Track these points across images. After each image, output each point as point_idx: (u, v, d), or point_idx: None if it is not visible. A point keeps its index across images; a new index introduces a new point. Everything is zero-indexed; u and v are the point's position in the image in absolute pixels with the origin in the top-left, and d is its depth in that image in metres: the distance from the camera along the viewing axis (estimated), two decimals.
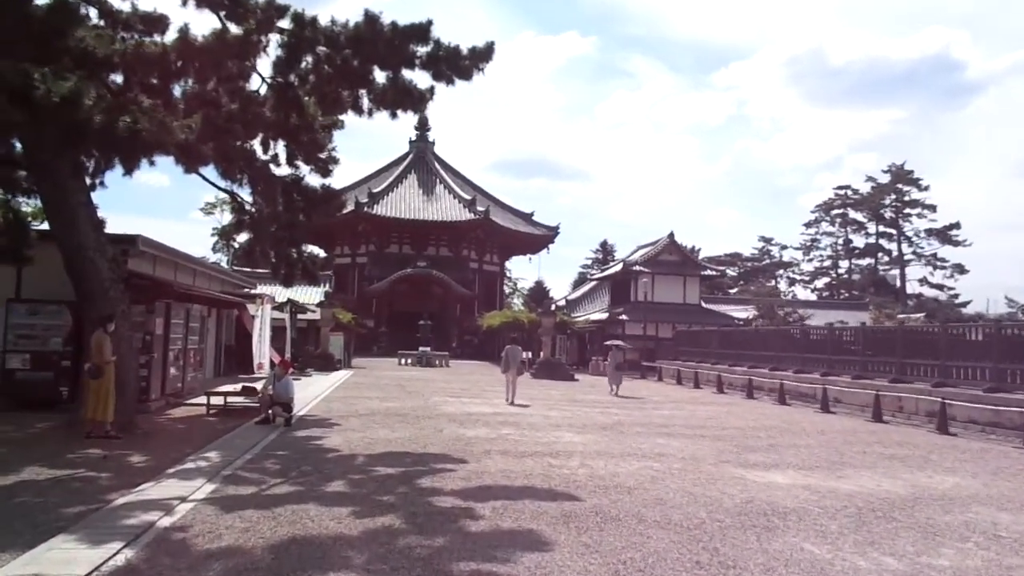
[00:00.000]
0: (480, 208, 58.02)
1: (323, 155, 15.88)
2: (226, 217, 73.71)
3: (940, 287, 73.16)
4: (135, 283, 15.86)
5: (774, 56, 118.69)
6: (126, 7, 12.88)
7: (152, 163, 14.52)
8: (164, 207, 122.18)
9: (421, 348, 42.43)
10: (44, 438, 11.05)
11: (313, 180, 15.08)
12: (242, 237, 16.34)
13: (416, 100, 14.78)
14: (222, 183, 14.36)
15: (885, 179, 77.45)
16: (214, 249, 66.74)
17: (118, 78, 12.17)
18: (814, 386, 22.12)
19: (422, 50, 13.18)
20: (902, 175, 76.00)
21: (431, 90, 14.78)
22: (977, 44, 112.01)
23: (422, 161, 65.68)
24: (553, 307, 43.38)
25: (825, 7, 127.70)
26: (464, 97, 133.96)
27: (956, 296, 71.70)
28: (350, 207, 56.18)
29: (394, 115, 15.05)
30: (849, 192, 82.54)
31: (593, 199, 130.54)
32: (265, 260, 14.88)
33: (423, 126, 68.25)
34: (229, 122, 13.58)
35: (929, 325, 23.94)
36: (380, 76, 14.19)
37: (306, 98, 14.84)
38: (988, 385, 16.35)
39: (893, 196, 77.16)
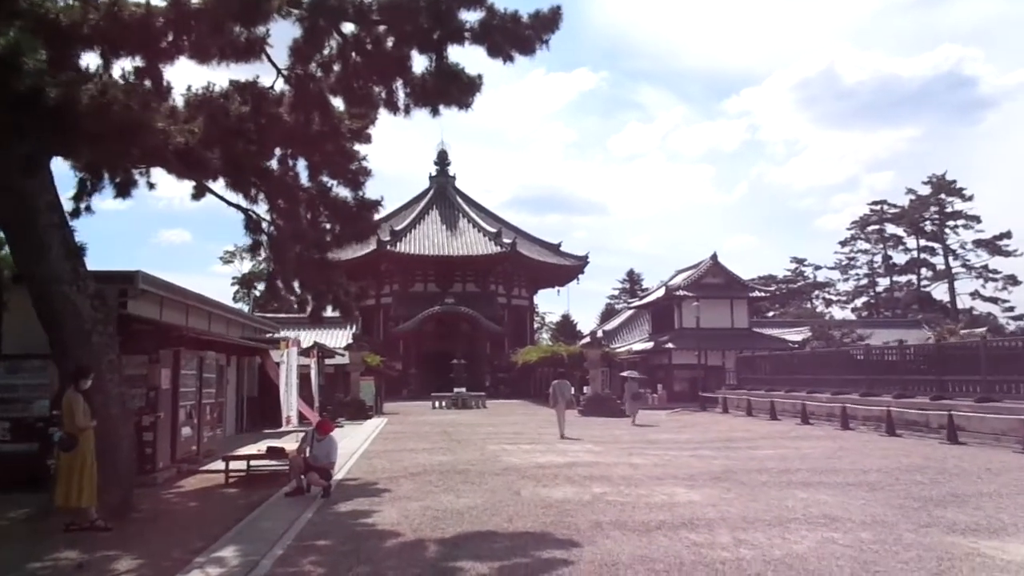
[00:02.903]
0: (506, 240, 55.58)
1: (353, 167, 13.40)
2: (246, 266, 72.06)
3: (994, 300, 69.33)
4: (135, 328, 13.34)
5: (785, 80, 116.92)
6: None
7: (145, 173, 12.29)
8: (185, 262, 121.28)
9: (456, 389, 39.70)
10: (10, 534, 8.36)
11: (342, 192, 12.55)
12: (258, 273, 13.74)
13: (463, 89, 12.24)
14: (233, 197, 11.84)
15: (925, 191, 74.04)
16: (235, 298, 64.80)
17: (94, 60, 9.65)
18: (925, 412, 19.05)
19: (473, 17, 10.67)
20: (944, 185, 72.61)
21: (479, 78, 12.35)
22: (989, 60, 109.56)
23: (443, 196, 63.58)
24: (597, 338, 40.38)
25: (833, 30, 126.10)
26: (477, 135, 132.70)
27: (1011, 309, 67.98)
28: (372, 246, 54.14)
29: (435, 111, 12.54)
30: (885, 207, 79.32)
31: (610, 232, 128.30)
32: (288, 290, 12.27)
33: (443, 160, 66.40)
34: (240, 122, 11.11)
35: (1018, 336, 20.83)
36: (419, 63, 11.72)
37: (331, 96, 12.45)
38: None
39: (934, 208, 73.73)
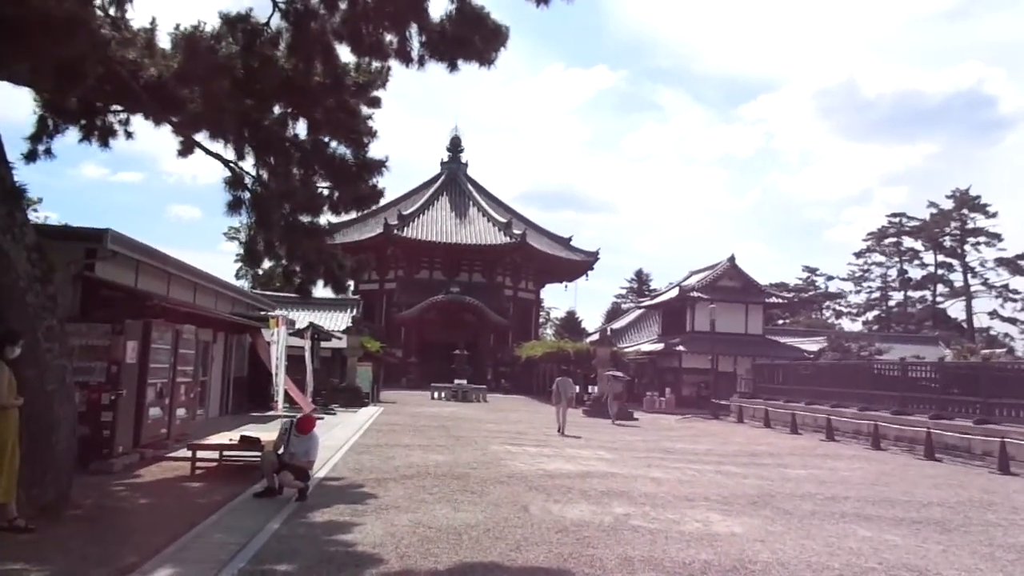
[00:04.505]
0: (516, 231, 53.96)
1: (356, 124, 11.82)
2: None
3: (1013, 320, 67.47)
4: (101, 294, 11.84)
5: (803, 89, 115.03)
6: None
7: (124, 122, 10.78)
8: (195, 239, 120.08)
9: (456, 381, 38.16)
10: None
11: (341, 151, 10.96)
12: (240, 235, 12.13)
13: (487, 39, 10.69)
14: (219, 150, 10.28)
15: (948, 205, 72.09)
16: (237, 276, 63.02)
17: None
18: (968, 437, 17.43)
19: None
20: (967, 200, 70.66)
21: (506, 29, 10.81)
22: (1011, 80, 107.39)
23: (454, 183, 61.91)
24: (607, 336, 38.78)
25: (857, 40, 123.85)
26: (491, 128, 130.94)
27: None
28: (379, 229, 52.59)
29: (453, 66, 11.00)
30: (904, 219, 77.46)
31: (620, 231, 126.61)
32: (272, 258, 10.71)
33: (456, 147, 64.73)
34: (227, 60, 9.55)
35: None
36: (438, 5, 10.18)
37: (336, 42, 10.89)
38: None
39: (955, 223, 71.78)
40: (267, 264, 13.85)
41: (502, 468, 12.55)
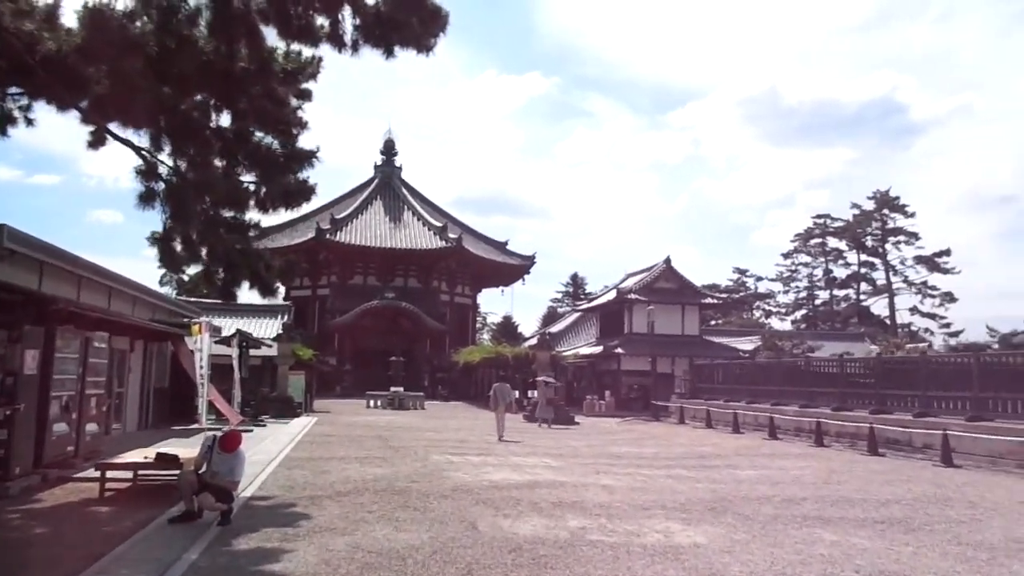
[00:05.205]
0: (452, 235, 53.15)
1: (285, 114, 10.96)
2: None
3: (932, 316, 70.14)
4: None
5: (729, 96, 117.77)
6: None
7: (25, 108, 9.69)
8: (118, 245, 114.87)
9: (393, 388, 37.18)
10: None
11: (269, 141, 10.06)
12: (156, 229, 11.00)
13: (426, 22, 10.08)
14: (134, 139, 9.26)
15: (869, 206, 74.57)
16: (161, 282, 59.99)
17: None
18: (909, 430, 17.54)
19: None
20: (887, 201, 73.28)
21: (446, 13, 10.20)
22: (922, 88, 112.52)
23: (388, 186, 60.73)
24: (546, 339, 38.31)
25: (778, 50, 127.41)
26: (424, 132, 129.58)
27: (948, 325, 68.76)
28: (311, 234, 51.04)
29: (389, 51, 10.40)
30: (828, 220, 79.80)
31: (554, 236, 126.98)
32: (190, 256, 9.72)
33: (389, 150, 63.56)
34: (142, 37, 8.58)
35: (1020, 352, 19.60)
36: None
37: (262, 24, 10.06)
38: None
39: (877, 223, 74.31)
40: (195, 270, 12.80)
41: (445, 480, 11.81)
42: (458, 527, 8.19)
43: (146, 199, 9.01)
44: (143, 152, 9.16)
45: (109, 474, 10.02)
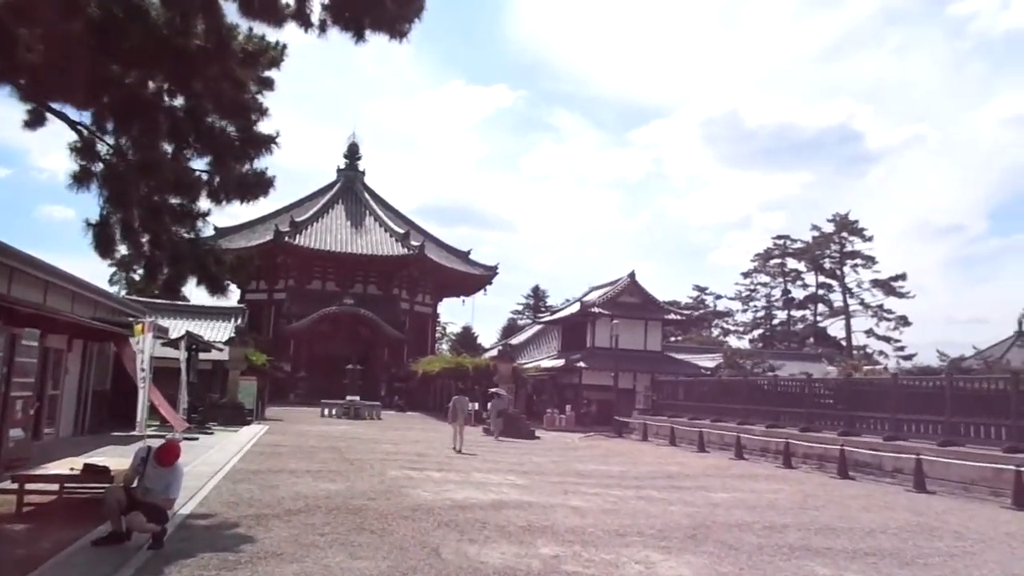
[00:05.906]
0: (415, 243, 52.22)
1: (243, 98, 10.10)
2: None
3: (887, 339, 71.11)
4: None
5: (691, 117, 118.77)
6: None
7: None
8: (70, 243, 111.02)
9: (348, 397, 36.11)
10: None
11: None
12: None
13: (403, 4, 9.38)
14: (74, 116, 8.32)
15: (829, 228, 75.59)
16: (111, 281, 57.62)
17: None
18: (879, 454, 17.20)
19: None
20: (846, 224, 74.29)
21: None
22: (878, 117, 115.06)
23: (351, 191, 59.48)
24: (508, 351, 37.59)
25: (740, 74, 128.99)
26: (388, 139, 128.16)
27: (902, 348, 69.81)
28: (268, 236, 49.67)
29: (360, 35, 9.67)
30: (788, 242, 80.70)
31: (517, 248, 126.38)
32: (132, 247, 8.79)
33: (353, 153, 62.30)
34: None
35: (998, 376, 19.42)
36: None
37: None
38: None
39: (835, 246, 75.37)
40: (131, 259, 11.77)
41: (405, 498, 10.99)
42: (420, 553, 7.40)
43: (81, 179, 8.07)
44: (79, 127, 8.23)
45: (31, 486, 9.01)
